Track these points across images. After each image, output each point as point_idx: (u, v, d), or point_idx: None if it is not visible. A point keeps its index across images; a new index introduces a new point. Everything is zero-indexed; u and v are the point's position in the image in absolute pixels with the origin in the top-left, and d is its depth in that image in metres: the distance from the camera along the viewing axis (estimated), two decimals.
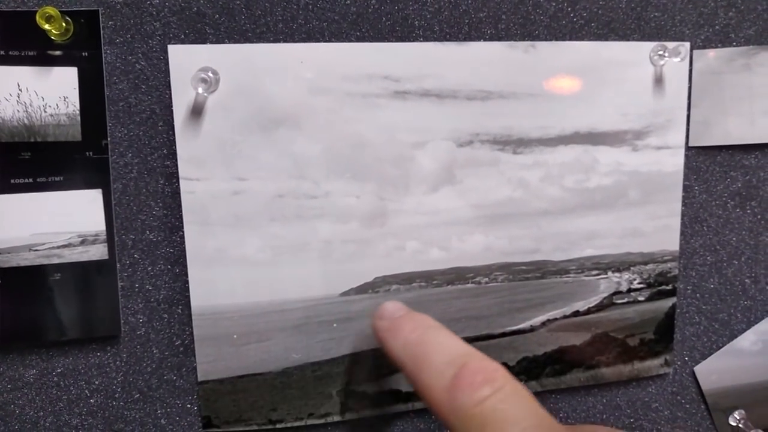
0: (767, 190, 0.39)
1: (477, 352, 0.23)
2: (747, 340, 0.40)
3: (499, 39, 0.34)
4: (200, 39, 0.31)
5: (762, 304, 0.40)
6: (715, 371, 0.40)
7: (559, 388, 0.38)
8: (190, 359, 0.33)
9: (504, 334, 0.36)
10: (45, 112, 0.30)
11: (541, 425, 0.20)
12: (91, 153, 0.31)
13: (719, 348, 0.40)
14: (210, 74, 0.30)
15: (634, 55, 0.35)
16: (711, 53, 0.37)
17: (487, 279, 0.35)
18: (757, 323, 0.40)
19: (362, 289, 0.34)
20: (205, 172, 0.31)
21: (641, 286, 0.37)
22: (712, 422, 0.40)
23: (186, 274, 0.32)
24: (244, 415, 0.33)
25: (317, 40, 0.32)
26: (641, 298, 0.38)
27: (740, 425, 0.40)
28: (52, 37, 0.29)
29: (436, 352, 0.23)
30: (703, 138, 0.37)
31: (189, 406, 0.33)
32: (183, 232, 0.31)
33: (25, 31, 0.29)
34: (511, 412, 0.20)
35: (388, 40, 0.33)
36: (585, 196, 0.36)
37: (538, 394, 0.37)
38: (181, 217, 0.31)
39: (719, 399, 0.40)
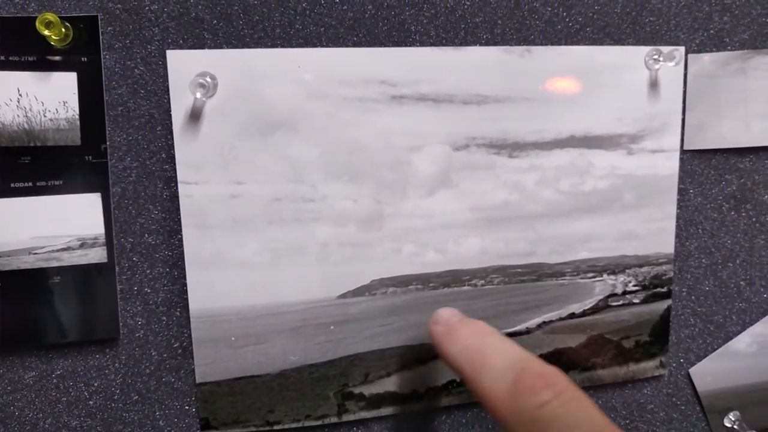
0: (762, 193, 0.39)
1: (536, 357, 0.23)
2: (742, 342, 0.40)
3: (495, 44, 0.34)
4: (198, 44, 0.31)
5: (757, 307, 0.40)
6: (710, 373, 0.40)
7: None
8: (189, 361, 0.33)
9: None
10: (45, 116, 0.30)
11: (602, 428, 0.20)
12: (90, 157, 0.31)
13: (714, 350, 0.40)
14: (208, 79, 0.30)
15: (629, 60, 0.35)
16: (706, 57, 0.37)
17: (483, 282, 0.35)
18: (751, 325, 0.40)
19: (359, 292, 0.34)
20: (204, 175, 0.31)
21: (636, 288, 0.38)
22: (708, 424, 0.41)
23: (184, 277, 0.32)
24: (242, 417, 0.34)
25: (314, 45, 0.32)
26: (636, 301, 0.38)
27: (735, 426, 0.41)
28: (52, 43, 0.29)
29: (495, 356, 0.23)
30: (698, 141, 0.38)
31: (187, 407, 0.34)
32: (181, 235, 0.32)
33: (25, 37, 0.29)
34: (572, 416, 0.21)
35: (385, 45, 0.33)
36: (580, 200, 0.36)
37: None
38: (179, 220, 0.32)
39: (714, 400, 0.40)
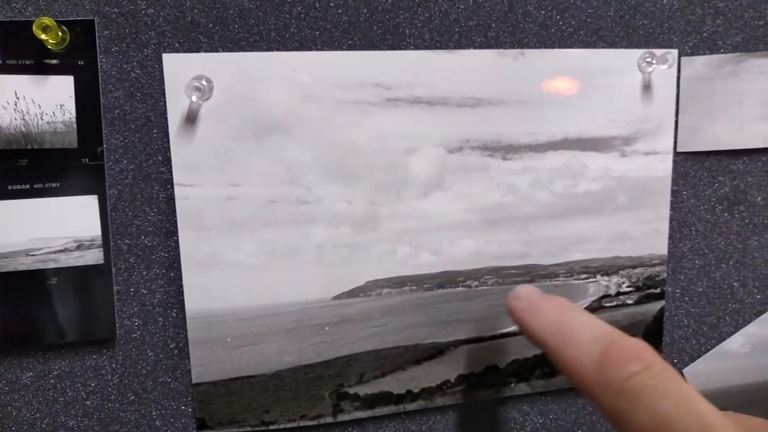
0: (755, 194, 0.39)
1: (621, 332, 0.24)
2: (735, 342, 0.41)
3: (489, 47, 0.34)
4: (194, 48, 0.32)
5: (750, 307, 0.40)
6: (704, 373, 0.40)
7: (548, 390, 0.38)
8: (185, 362, 0.34)
9: (494, 337, 0.36)
10: (42, 119, 0.30)
11: (692, 399, 0.20)
12: (87, 160, 0.31)
13: (708, 350, 0.40)
14: (204, 82, 0.31)
15: (622, 62, 0.36)
16: (699, 60, 0.37)
17: (477, 283, 0.36)
18: (745, 326, 0.41)
19: (354, 293, 0.34)
20: (199, 178, 0.32)
21: (630, 289, 0.38)
22: None
23: (180, 279, 0.32)
24: (238, 417, 0.34)
25: (310, 49, 0.33)
26: (630, 302, 0.38)
27: None
28: (49, 47, 0.30)
29: (581, 329, 0.24)
30: (691, 144, 0.38)
31: (183, 407, 0.34)
32: (177, 237, 0.32)
33: (23, 41, 0.30)
34: (662, 387, 0.21)
35: (380, 49, 0.33)
36: (574, 201, 0.36)
37: (528, 396, 0.38)
38: (175, 222, 0.32)
39: (708, 401, 0.41)
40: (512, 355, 0.37)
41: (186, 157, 0.31)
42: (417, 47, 0.34)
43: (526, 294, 0.28)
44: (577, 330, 0.24)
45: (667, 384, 0.21)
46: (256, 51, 0.32)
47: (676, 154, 0.38)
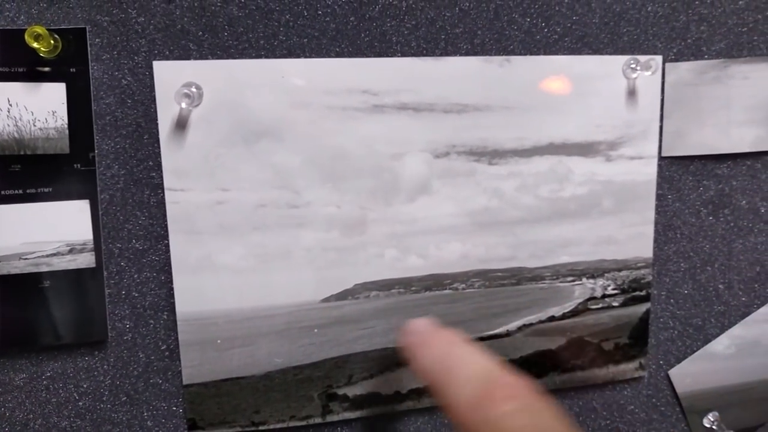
0: (739, 198, 0.40)
1: (503, 368, 0.24)
2: (720, 344, 0.41)
3: (475, 54, 0.35)
4: (184, 55, 0.32)
5: (735, 309, 0.41)
6: (690, 374, 0.41)
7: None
8: (176, 363, 0.34)
9: (481, 339, 0.37)
10: (34, 126, 0.31)
11: None
12: (79, 165, 0.32)
13: (693, 352, 0.41)
14: (194, 89, 0.31)
15: (607, 69, 0.36)
16: (683, 66, 0.38)
17: (464, 285, 0.36)
18: (730, 328, 0.41)
19: (342, 296, 0.35)
20: (190, 183, 0.32)
21: (615, 292, 0.39)
22: (687, 424, 0.41)
23: (171, 281, 0.33)
24: (228, 417, 0.34)
25: (298, 56, 0.33)
26: (615, 304, 0.39)
27: (714, 427, 0.41)
28: (41, 54, 0.30)
29: (462, 367, 0.24)
30: (676, 148, 0.38)
31: (174, 408, 0.35)
32: (168, 240, 0.32)
33: (15, 49, 0.30)
34: (535, 426, 0.21)
35: (367, 56, 0.34)
36: (560, 205, 0.37)
37: None
38: (166, 226, 0.32)
39: (694, 401, 0.41)
40: (499, 356, 0.37)
41: (176, 162, 0.32)
42: (404, 54, 0.34)
43: (417, 329, 0.28)
44: (458, 367, 0.24)
45: (541, 423, 0.21)
46: (245, 58, 0.33)
47: (661, 158, 0.38)
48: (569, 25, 0.36)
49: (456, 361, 0.24)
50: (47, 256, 0.32)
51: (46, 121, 0.31)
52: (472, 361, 0.24)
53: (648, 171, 0.38)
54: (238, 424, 0.34)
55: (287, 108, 0.33)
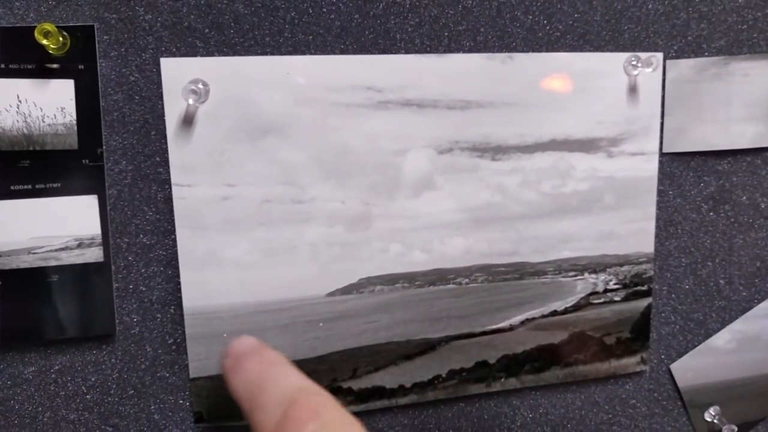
0: (740, 194, 0.40)
1: (311, 387, 0.24)
2: (721, 338, 0.41)
3: (478, 51, 0.35)
4: (191, 52, 0.33)
5: (736, 304, 0.41)
6: (691, 369, 0.41)
7: (538, 385, 0.39)
8: (182, 357, 0.34)
9: (484, 333, 0.37)
10: (43, 122, 0.31)
11: None
12: (87, 161, 0.32)
13: (694, 347, 0.41)
14: (200, 86, 0.32)
15: (608, 66, 0.37)
16: (684, 63, 0.38)
17: (467, 280, 0.37)
18: (731, 323, 0.41)
19: (347, 290, 0.35)
20: (196, 178, 0.33)
21: (617, 286, 0.39)
22: (688, 418, 0.42)
23: (178, 276, 0.33)
24: (234, 411, 0.35)
25: (303, 53, 0.34)
26: (617, 299, 0.39)
27: (715, 421, 0.42)
28: (50, 51, 0.31)
29: (270, 390, 0.23)
30: (677, 144, 0.39)
31: (181, 401, 0.35)
32: (175, 235, 0.33)
33: (24, 46, 0.30)
34: None
35: (371, 53, 0.34)
36: (562, 201, 0.37)
37: (517, 391, 0.39)
38: (173, 221, 0.33)
39: (695, 396, 0.42)
40: (502, 350, 0.38)
41: (183, 158, 0.32)
42: (408, 51, 0.35)
43: (234, 350, 0.27)
44: (266, 391, 0.24)
45: None
46: (251, 55, 0.33)
47: (662, 154, 0.39)
48: (571, 22, 0.36)
49: (265, 384, 0.24)
50: (56, 250, 0.32)
51: (55, 117, 0.31)
52: (281, 385, 0.24)
53: (649, 167, 0.38)
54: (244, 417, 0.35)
55: (292, 104, 0.33)
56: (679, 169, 0.39)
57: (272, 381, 0.24)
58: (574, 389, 0.40)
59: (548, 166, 0.37)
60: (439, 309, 0.37)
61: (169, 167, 0.32)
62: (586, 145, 0.37)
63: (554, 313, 0.38)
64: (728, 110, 0.39)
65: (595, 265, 0.38)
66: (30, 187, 0.32)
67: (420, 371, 0.37)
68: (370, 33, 0.34)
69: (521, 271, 0.37)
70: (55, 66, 0.31)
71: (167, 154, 0.32)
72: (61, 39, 0.30)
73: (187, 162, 0.32)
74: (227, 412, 0.35)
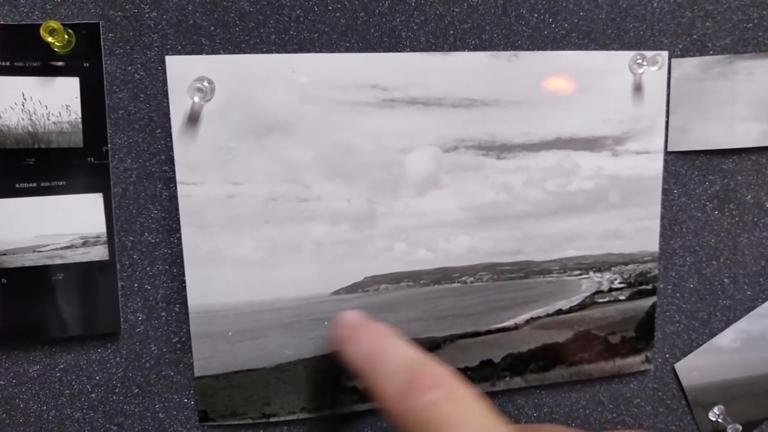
0: (745, 193, 0.40)
1: (430, 359, 0.24)
2: (726, 338, 0.41)
3: (483, 49, 0.35)
4: (196, 50, 0.33)
5: (740, 303, 0.41)
6: (695, 368, 0.41)
7: (543, 384, 0.39)
8: (187, 356, 0.34)
9: (489, 332, 0.37)
10: (48, 120, 0.31)
11: (491, 426, 0.21)
12: (92, 159, 0.32)
13: (699, 346, 0.41)
14: (206, 83, 0.32)
15: (613, 64, 0.37)
16: (689, 62, 0.38)
17: (472, 279, 0.37)
18: (735, 322, 0.41)
19: (352, 289, 0.35)
20: (201, 176, 0.33)
21: (622, 285, 0.39)
22: (693, 417, 0.42)
23: (183, 274, 0.33)
24: (239, 409, 0.35)
25: (308, 51, 0.34)
26: (622, 298, 0.39)
27: (719, 420, 0.42)
28: (55, 49, 0.31)
29: (390, 359, 0.24)
30: (682, 143, 0.39)
31: (186, 400, 0.35)
32: (180, 234, 0.33)
33: (30, 44, 0.30)
34: (461, 414, 0.21)
35: (377, 51, 0.34)
36: (567, 199, 0.37)
37: (522, 390, 0.39)
38: (178, 219, 0.33)
39: (699, 395, 0.41)
40: (507, 349, 0.38)
41: (188, 156, 0.32)
42: (413, 49, 0.35)
43: (347, 322, 0.27)
44: (386, 359, 0.24)
45: (466, 411, 0.21)
46: (257, 53, 0.33)
47: (667, 153, 0.39)
48: (576, 21, 0.36)
49: (384, 353, 0.24)
50: (61, 248, 0.32)
51: (60, 115, 0.31)
52: (400, 354, 0.24)
53: (654, 166, 0.38)
54: (248, 416, 0.35)
55: (298, 102, 0.33)
56: (684, 168, 0.39)
57: (391, 351, 0.24)
58: (579, 388, 0.40)
59: (553, 164, 0.36)
60: (444, 308, 0.36)
61: (174, 165, 0.32)
62: (591, 144, 0.37)
63: (559, 312, 0.38)
64: (733, 109, 0.39)
65: (600, 264, 0.38)
66: (35, 185, 0.32)
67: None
68: (375, 31, 0.34)
69: (526, 270, 0.37)
70: (60, 64, 0.31)
71: (172, 152, 0.32)
72: (66, 37, 0.30)
73: (192, 160, 0.32)
74: (232, 410, 0.35)
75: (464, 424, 0.21)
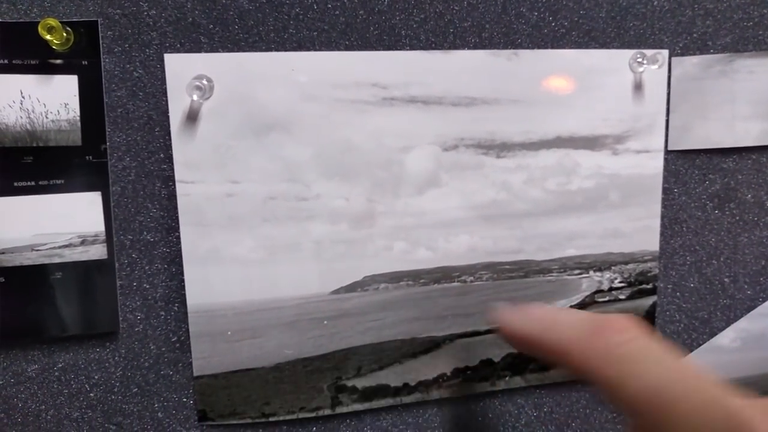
0: (745, 192, 0.40)
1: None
2: (726, 337, 0.41)
3: (483, 47, 0.35)
4: (195, 48, 0.32)
5: (740, 303, 0.41)
6: None
7: (543, 384, 0.39)
8: (186, 355, 0.34)
9: (489, 331, 0.37)
10: (47, 118, 0.31)
11: (687, 366, 0.20)
12: (90, 157, 0.32)
13: (699, 345, 0.41)
14: (204, 82, 0.32)
15: (614, 63, 0.36)
16: (689, 60, 0.38)
17: (472, 278, 0.37)
18: (735, 321, 0.41)
19: (352, 288, 0.35)
20: (200, 175, 0.32)
21: (622, 284, 0.39)
22: None
23: (182, 273, 0.33)
24: (238, 409, 0.35)
25: (308, 49, 0.34)
26: (622, 297, 0.39)
27: None
28: (54, 47, 0.30)
29: (570, 316, 0.24)
30: (682, 142, 0.39)
31: (185, 400, 0.35)
32: (179, 232, 0.33)
33: (28, 41, 0.30)
34: (654, 351, 0.21)
35: (376, 49, 0.34)
36: (567, 198, 0.37)
37: (522, 390, 0.39)
38: (177, 218, 0.33)
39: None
40: (507, 349, 0.37)
41: (187, 154, 0.32)
42: (413, 48, 0.35)
43: (512, 308, 0.28)
44: (568, 316, 0.24)
45: (662, 351, 0.21)
46: (256, 51, 0.33)
47: (667, 152, 0.39)
48: (576, 19, 0.36)
49: (561, 315, 0.24)
50: (59, 247, 0.32)
51: (59, 113, 0.31)
52: (576, 313, 0.24)
53: (654, 164, 0.38)
54: (248, 415, 0.35)
55: (297, 101, 0.33)
56: (684, 167, 0.39)
57: (567, 313, 0.25)
58: (579, 388, 0.40)
59: (553, 163, 0.36)
60: (443, 307, 0.36)
61: (173, 164, 0.32)
62: (592, 143, 0.37)
63: None
64: (733, 108, 0.39)
65: (600, 263, 0.38)
66: (33, 183, 0.31)
67: (425, 369, 0.37)
68: (374, 29, 0.34)
69: (526, 269, 0.37)
70: (58, 62, 0.31)
71: (171, 150, 0.32)
72: (64, 34, 0.30)
73: (191, 159, 0.32)
74: (231, 410, 0.34)
75: (665, 362, 0.20)
